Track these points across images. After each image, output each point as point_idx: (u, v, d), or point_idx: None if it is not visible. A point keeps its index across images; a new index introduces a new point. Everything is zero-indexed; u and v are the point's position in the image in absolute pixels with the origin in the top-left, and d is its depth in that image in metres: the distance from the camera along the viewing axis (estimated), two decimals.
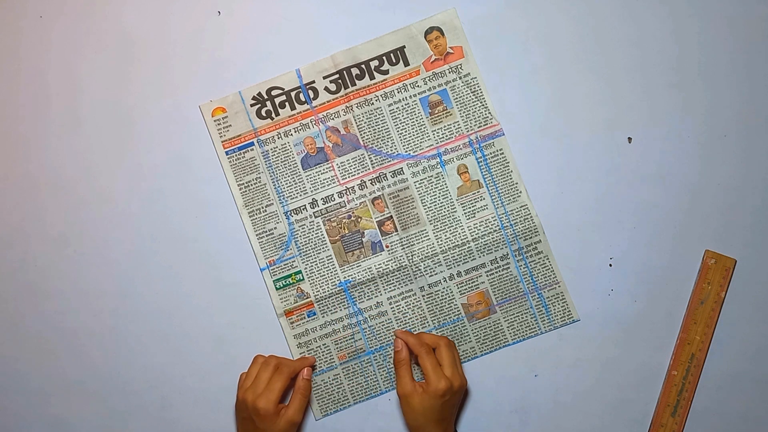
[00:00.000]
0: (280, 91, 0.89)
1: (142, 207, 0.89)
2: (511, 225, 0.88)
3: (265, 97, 0.89)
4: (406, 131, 0.89)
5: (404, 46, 0.89)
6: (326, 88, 0.89)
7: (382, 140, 0.89)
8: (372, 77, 0.89)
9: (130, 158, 0.89)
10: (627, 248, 0.87)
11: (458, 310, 0.88)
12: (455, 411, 0.83)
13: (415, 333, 0.87)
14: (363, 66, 0.89)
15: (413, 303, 0.88)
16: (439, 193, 0.89)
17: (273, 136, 0.89)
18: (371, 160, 0.89)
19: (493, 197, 0.88)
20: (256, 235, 0.89)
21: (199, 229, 0.89)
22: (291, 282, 0.89)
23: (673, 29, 0.88)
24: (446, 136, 0.89)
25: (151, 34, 0.89)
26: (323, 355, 0.88)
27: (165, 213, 0.89)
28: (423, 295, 0.88)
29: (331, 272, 0.88)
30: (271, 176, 0.89)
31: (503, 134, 0.88)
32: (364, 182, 0.89)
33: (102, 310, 0.89)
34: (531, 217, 0.88)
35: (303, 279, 0.88)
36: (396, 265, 0.88)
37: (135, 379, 0.89)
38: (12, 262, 0.89)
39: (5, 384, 0.89)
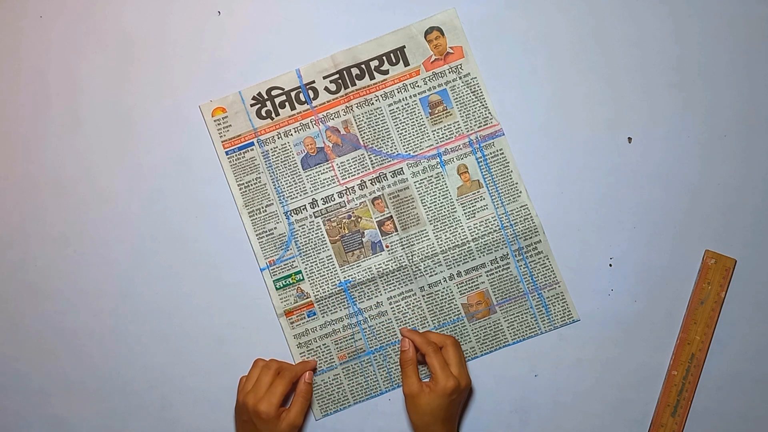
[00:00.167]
0: (280, 91, 0.89)
1: (142, 207, 0.89)
2: (511, 225, 0.88)
3: (265, 97, 0.89)
4: (406, 131, 0.89)
5: (404, 46, 0.89)
6: (326, 88, 0.89)
7: (382, 140, 0.89)
8: (372, 77, 0.89)
9: (130, 158, 0.89)
10: (627, 248, 0.87)
11: (458, 310, 0.88)
12: (459, 410, 0.84)
13: (420, 332, 0.87)
14: (363, 66, 0.89)
15: (413, 303, 0.88)
16: (439, 193, 0.89)
17: (273, 136, 0.89)
18: (371, 160, 0.89)
19: (493, 197, 0.88)
20: (256, 235, 0.89)
21: (199, 229, 0.89)
22: (291, 282, 0.89)
23: (673, 29, 0.88)
24: (446, 136, 0.89)
25: (151, 34, 0.89)
26: (323, 355, 0.88)
27: (165, 213, 0.89)
28: (423, 295, 0.88)
29: (331, 272, 0.88)
30: (271, 176, 0.89)
31: (503, 134, 0.89)
32: (364, 182, 0.89)
33: (102, 310, 0.89)
34: (531, 217, 0.88)
35: (303, 279, 0.88)
36: (396, 265, 0.88)
37: (135, 379, 0.89)
38: (12, 262, 0.89)
39: (5, 384, 0.89)
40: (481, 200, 0.88)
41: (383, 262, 0.88)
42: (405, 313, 0.88)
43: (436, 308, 0.88)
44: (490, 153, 0.88)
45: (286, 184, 0.89)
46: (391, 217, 0.88)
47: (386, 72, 0.89)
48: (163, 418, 0.89)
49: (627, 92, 0.88)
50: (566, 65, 0.88)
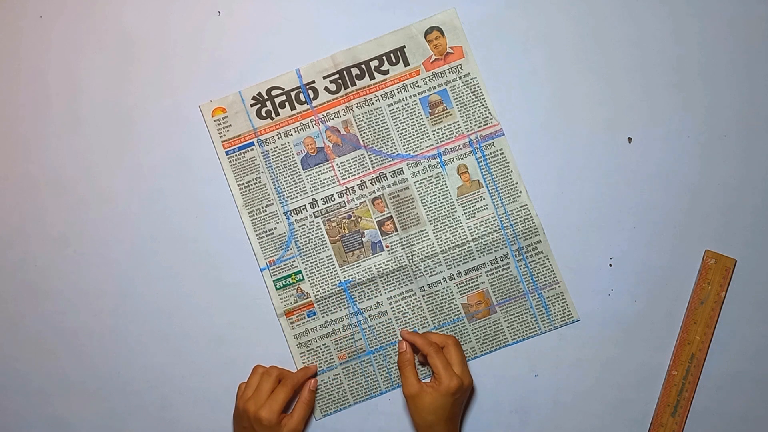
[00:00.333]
0: (280, 91, 0.89)
1: (142, 207, 0.89)
2: (511, 225, 0.88)
3: (265, 97, 0.89)
4: (406, 131, 0.89)
5: (404, 46, 0.89)
6: (326, 88, 0.89)
7: (382, 140, 0.89)
8: (372, 77, 0.89)
9: (130, 158, 0.89)
10: (627, 248, 0.87)
11: (458, 310, 0.88)
12: (462, 410, 0.84)
13: (420, 333, 0.87)
14: (363, 66, 0.89)
15: (413, 303, 0.88)
16: (439, 193, 0.89)
17: (273, 136, 0.89)
18: (371, 160, 0.89)
19: (493, 197, 0.88)
20: (256, 235, 0.89)
21: (199, 229, 0.89)
22: (291, 282, 0.89)
23: (673, 29, 0.88)
24: (446, 136, 0.89)
25: (151, 34, 0.89)
26: (323, 355, 0.88)
27: (165, 213, 0.89)
28: (423, 295, 0.88)
29: (331, 272, 0.88)
30: (271, 176, 0.89)
31: (503, 134, 0.89)
32: (364, 182, 0.89)
33: (102, 310, 0.89)
34: (531, 217, 0.88)
35: (303, 279, 0.88)
36: (396, 265, 0.88)
37: (135, 379, 0.89)
38: (12, 262, 0.89)
39: (5, 384, 0.89)
40: (481, 200, 0.88)
41: (383, 262, 0.88)
42: (405, 313, 0.88)
43: (436, 308, 0.88)
44: (490, 153, 0.88)
45: (286, 184, 0.89)
46: (391, 217, 0.88)
47: (386, 72, 0.89)
48: (163, 418, 0.89)
49: (627, 92, 0.88)
50: (566, 65, 0.88)
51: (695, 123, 0.88)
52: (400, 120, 0.89)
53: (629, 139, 0.88)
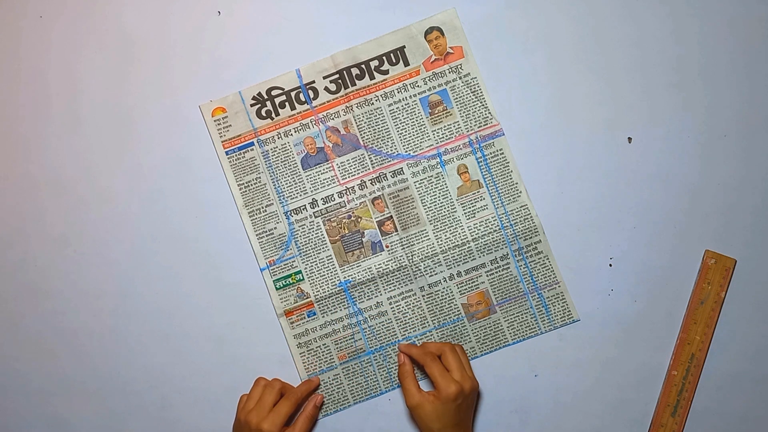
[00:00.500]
0: (280, 91, 0.89)
1: (142, 207, 0.89)
2: (511, 225, 0.88)
3: (265, 97, 0.89)
4: (406, 131, 0.89)
5: (404, 46, 0.89)
6: (326, 88, 0.89)
7: (382, 140, 0.89)
8: (372, 77, 0.89)
9: (130, 158, 0.89)
10: (627, 248, 0.87)
11: (458, 310, 0.88)
12: (471, 414, 0.83)
13: (417, 343, 0.87)
14: (363, 66, 0.89)
15: (413, 303, 0.88)
16: (439, 193, 0.89)
17: (273, 136, 0.89)
18: (371, 160, 0.89)
19: (493, 197, 0.88)
20: (256, 235, 0.89)
21: (199, 229, 0.89)
22: (291, 282, 0.89)
23: (673, 29, 0.88)
24: (446, 136, 0.89)
25: (151, 34, 0.89)
26: (323, 355, 0.88)
27: (165, 213, 0.89)
28: (423, 295, 0.88)
29: (331, 272, 0.88)
30: (271, 176, 0.89)
31: (503, 134, 0.89)
32: (364, 182, 0.89)
33: (102, 310, 0.89)
34: (531, 217, 0.88)
35: (303, 279, 0.88)
36: (396, 265, 0.88)
37: (135, 379, 0.89)
38: (12, 262, 0.89)
39: (5, 384, 0.89)
40: (481, 200, 0.88)
41: (383, 262, 0.88)
42: (405, 313, 0.88)
43: (436, 308, 0.88)
44: (490, 153, 0.88)
45: (286, 184, 0.89)
46: (391, 217, 0.88)
47: (386, 72, 0.89)
48: (163, 418, 0.89)
49: (627, 92, 0.88)
50: (566, 65, 0.88)
51: (695, 123, 0.88)
52: (400, 120, 0.89)
53: (629, 139, 0.88)
